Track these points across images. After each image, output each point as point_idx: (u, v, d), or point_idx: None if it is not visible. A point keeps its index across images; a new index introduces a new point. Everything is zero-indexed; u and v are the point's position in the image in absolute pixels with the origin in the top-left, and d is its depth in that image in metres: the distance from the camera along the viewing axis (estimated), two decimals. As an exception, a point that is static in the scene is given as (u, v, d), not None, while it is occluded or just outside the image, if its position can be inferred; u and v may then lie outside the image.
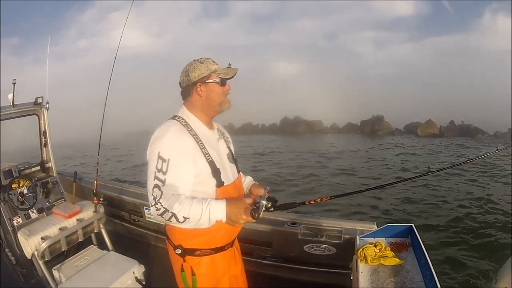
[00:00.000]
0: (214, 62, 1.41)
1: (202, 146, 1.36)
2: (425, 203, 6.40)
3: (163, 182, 1.26)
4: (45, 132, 2.73)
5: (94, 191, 2.65)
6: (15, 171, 2.60)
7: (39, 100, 2.59)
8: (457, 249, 4.55)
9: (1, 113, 2.37)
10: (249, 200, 1.31)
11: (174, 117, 1.40)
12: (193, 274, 1.42)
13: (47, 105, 2.65)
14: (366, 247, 1.63)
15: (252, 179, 1.70)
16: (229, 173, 1.47)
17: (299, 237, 2.32)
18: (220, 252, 1.48)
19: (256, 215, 1.24)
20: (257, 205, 1.26)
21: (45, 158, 2.82)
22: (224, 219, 1.28)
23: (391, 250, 1.62)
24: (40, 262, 2.17)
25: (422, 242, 1.56)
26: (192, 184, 1.33)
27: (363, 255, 1.60)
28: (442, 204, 6.30)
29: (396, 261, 1.55)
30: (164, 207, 1.23)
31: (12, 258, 2.40)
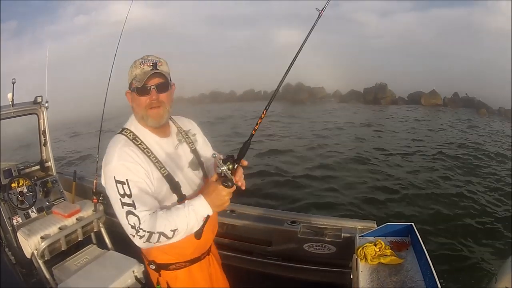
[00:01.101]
0: (142, 63, 1.18)
1: (155, 160, 1.21)
2: (425, 200, 6.40)
3: (132, 205, 1.12)
4: (44, 131, 2.72)
5: (94, 190, 2.64)
6: (14, 171, 2.60)
7: (39, 99, 2.59)
8: (457, 248, 4.54)
9: (1, 113, 2.37)
10: (214, 177, 1.18)
11: (122, 131, 1.24)
12: None
13: (47, 104, 2.65)
14: (366, 246, 1.63)
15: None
16: (192, 183, 1.32)
17: (299, 235, 2.32)
18: (196, 263, 1.38)
19: (229, 183, 1.11)
20: (222, 175, 1.14)
21: (45, 157, 2.82)
22: (211, 211, 1.17)
23: (391, 249, 1.62)
24: (40, 262, 2.17)
25: (422, 241, 1.56)
26: (156, 199, 1.21)
27: (363, 254, 1.60)
28: (442, 202, 6.29)
29: (396, 260, 1.55)
30: (148, 231, 1.11)
31: (12, 258, 2.40)
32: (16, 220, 2.35)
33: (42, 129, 2.72)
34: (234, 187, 1.15)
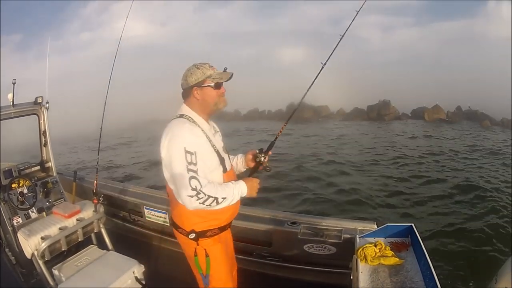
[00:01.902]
0: (211, 67, 1.56)
1: (209, 139, 1.56)
2: (425, 201, 6.40)
3: (197, 172, 1.42)
4: (45, 131, 2.72)
5: (94, 191, 2.65)
6: (15, 171, 2.59)
7: (39, 100, 2.59)
8: (457, 249, 4.55)
9: (1, 113, 2.37)
10: (250, 162, 1.75)
11: (181, 116, 1.55)
12: (207, 255, 1.60)
13: (47, 105, 2.65)
14: (366, 246, 1.63)
15: (241, 154, 1.86)
16: (227, 162, 1.67)
17: (299, 236, 2.32)
18: (223, 231, 1.69)
19: (268, 168, 1.70)
20: (259, 161, 1.69)
21: (45, 158, 2.82)
22: (246, 193, 1.59)
23: (391, 250, 1.62)
24: (40, 262, 2.17)
25: (422, 242, 1.56)
26: (208, 172, 1.52)
27: (363, 255, 1.60)
28: (442, 202, 6.30)
29: (396, 260, 1.55)
30: (207, 195, 1.42)
31: (12, 258, 2.40)
32: (17, 220, 2.34)
33: (43, 129, 2.72)
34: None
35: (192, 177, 1.41)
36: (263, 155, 1.69)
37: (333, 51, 1.87)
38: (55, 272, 2.23)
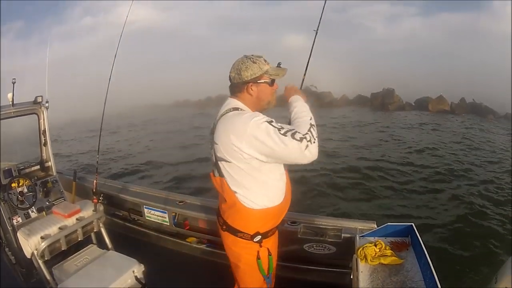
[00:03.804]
0: (265, 61, 1.47)
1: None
2: (424, 200, 6.40)
3: (290, 129, 1.32)
4: (44, 131, 2.72)
5: (94, 190, 2.65)
6: (14, 171, 2.59)
7: (39, 99, 2.59)
8: (457, 248, 4.54)
9: (1, 112, 2.37)
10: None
11: (236, 109, 1.46)
12: (269, 254, 1.58)
13: (47, 104, 2.65)
14: (366, 246, 1.63)
15: None
16: None
17: (299, 236, 2.32)
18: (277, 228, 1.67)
19: None
20: None
21: (45, 157, 2.82)
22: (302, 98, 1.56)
23: (391, 249, 1.61)
24: (40, 262, 2.17)
25: (422, 242, 1.56)
26: None
27: (363, 254, 1.60)
28: (442, 203, 6.29)
29: (396, 260, 1.54)
30: (308, 130, 1.33)
31: (12, 258, 2.40)
32: (16, 220, 2.34)
33: (42, 129, 2.72)
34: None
35: (293, 134, 1.30)
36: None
37: (321, 16, 1.93)
38: (55, 271, 2.23)
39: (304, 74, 1.91)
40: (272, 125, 1.32)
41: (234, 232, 1.56)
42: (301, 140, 1.29)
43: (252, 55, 1.47)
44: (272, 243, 1.63)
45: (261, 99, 1.50)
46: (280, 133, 1.30)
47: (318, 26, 1.90)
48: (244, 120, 1.36)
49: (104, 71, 2.72)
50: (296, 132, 1.31)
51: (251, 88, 1.47)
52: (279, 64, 1.50)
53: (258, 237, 1.53)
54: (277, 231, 1.70)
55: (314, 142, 1.31)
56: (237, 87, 1.49)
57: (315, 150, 1.31)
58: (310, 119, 1.40)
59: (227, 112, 1.45)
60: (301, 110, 1.46)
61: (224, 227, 1.61)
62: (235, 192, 1.47)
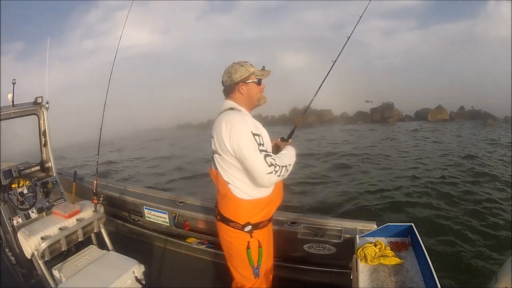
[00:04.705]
0: (251, 65, 1.66)
1: (261, 128, 1.64)
2: (425, 201, 6.40)
3: (267, 151, 1.52)
4: (44, 132, 2.72)
5: (94, 191, 2.65)
6: (15, 171, 2.59)
7: (39, 100, 2.58)
8: (457, 248, 4.54)
9: (1, 113, 2.37)
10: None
11: (232, 109, 1.62)
12: (260, 246, 1.66)
13: (47, 105, 2.65)
14: (366, 246, 1.63)
15: None
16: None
17: (299, 236, 2.32)
18: (270, 222, 1.77)
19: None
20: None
21: (45, 158, 2.82)
22: (295, 152, 1.73)
23: (391, 250, 1.62)
24: (40, 262, 2.17)
25: (422, 242, 1.56)
26: None
27: (363, 255, 1.60)
28: (442, 203, 6.29)
29: (396, 260, 1.55)
30: (280, 166, 1.52)
31: (12, 258, 2.40)
32: (16, 220, 2.34)
33: (43, 129, 2.72)
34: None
35: (266, 155, 1.49)
36: (285, 142, 1.84)
37: (342, 49, 2.07)
38: (55, 272, 2.23)
39: (314, 96, 2.09)
40: (255, 138, 1.50)
41: (227, 221, 1.67)
42: (270, 165, 1.48)
43: (240, 61, 1.66)
44: (263, 235, 1.70)
45: (251, 97, 1.66)
46: (258, 148, 1.48)
47: (337, 57, 2.06)
48: (236, 120, 1.53)
49: (102, 96, 2.75)
50: (271, 157, 1.50)
51: (241, 88, 1.64)
52: (263, 67, 1.69)
53: (249, 227, 1.63)
54: (270, 226, 1.80)
55: (278, 176, 1.51)
56: (229, 89, 1.67)
57: (274, 180, 1.52)
58: (289, 165, 1.60)
59: (224, 111, 1.62)
60: (289, 154, 1.67)
61: (218, 217, 1.73)
62: (227, 183, 1.61)
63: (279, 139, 1.87)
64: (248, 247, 1.64)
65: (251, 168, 1.50)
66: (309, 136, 16.96)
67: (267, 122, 27.84)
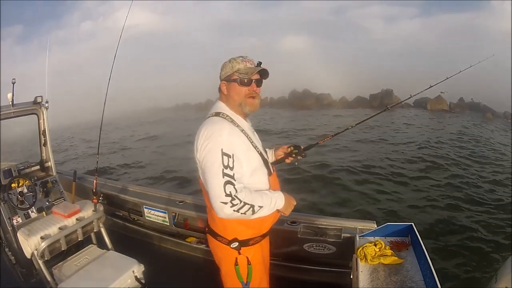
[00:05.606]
0: (243, 61, 1.43)
1: (250, 140, 1.44)
2: (425, 200, 6.40)
3: (233, 177, 1.29)
4: (44, 131, 2.72)
5: (94, 190, 2.64)
6: (14, 171, 2.59)
7: (39, 100, 2.58)
8: (457, 248, 4.54)
9: (1, 113, 2.37)
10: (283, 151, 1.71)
11: (218, 114, 1.42)
12: (249, 264, 1.48)
13: (47, 105, 2.64)
14: (366, 246, 1.63)
15: (268, 148, 1.75)
16: (268, 162, 1.56)
17: (299, 235, 2.32)
18: (264, 238, 1.58)
19: (296, 163, 1.71)
20: (292, 154, 1.67)
21: (45, 158, 2.81)
22: (282, 207, 1.47)
23: (391, 249, 1.62)
24: (40, 262, 2.17)
25: (422, 241, 1.56)
26: (250, 175, 1.41)
27: (363, 254, 1.60)
28: (442, 203, 6.29)
29: (396, 260, 1.54)
30: (242, 201, 1.29)
31: (12, 258, 2.40)
32: (16, 220, 2.34)
33: (42, 129, 2.71)
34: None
35: (227, 182, 1.27)
36: (301, 155, 1.66)
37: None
38: (55, 271, 2.23)
39: None
40: (223, 158, 1.28)
41: (214, 235, 1.53)
42: (228, 195, 1.27)
43: (240, 56, 1.45)
44: (253, 253, 1.51)
45: (232, 98, 1.44)
46: (222, 171, 1.28)
47: None
48: (212, 131, 1.34)
49: (104, 75, 2.71)
50: (233, 186, 1.28)
51: (224, 87, 1.46)
52: (259, 63, 1.45)
53: (236, 244, 1.46)
54: (264, 242, 1.61)
55: (235, 211, 1.29)
56: (218, 87, 1.50)
57: (228, 212, 1.28)
58: (260, 207, 1.36)
59: (209, 116, 1.45)
60: (271, 197, 1.42)
61: (207, 229, 1.60)
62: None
63: (291, 147, 1.68)
64: (236, 264, 1.48)
65: (208, 189, 1.33)
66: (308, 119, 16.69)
67: (266, 103, 27.67)
